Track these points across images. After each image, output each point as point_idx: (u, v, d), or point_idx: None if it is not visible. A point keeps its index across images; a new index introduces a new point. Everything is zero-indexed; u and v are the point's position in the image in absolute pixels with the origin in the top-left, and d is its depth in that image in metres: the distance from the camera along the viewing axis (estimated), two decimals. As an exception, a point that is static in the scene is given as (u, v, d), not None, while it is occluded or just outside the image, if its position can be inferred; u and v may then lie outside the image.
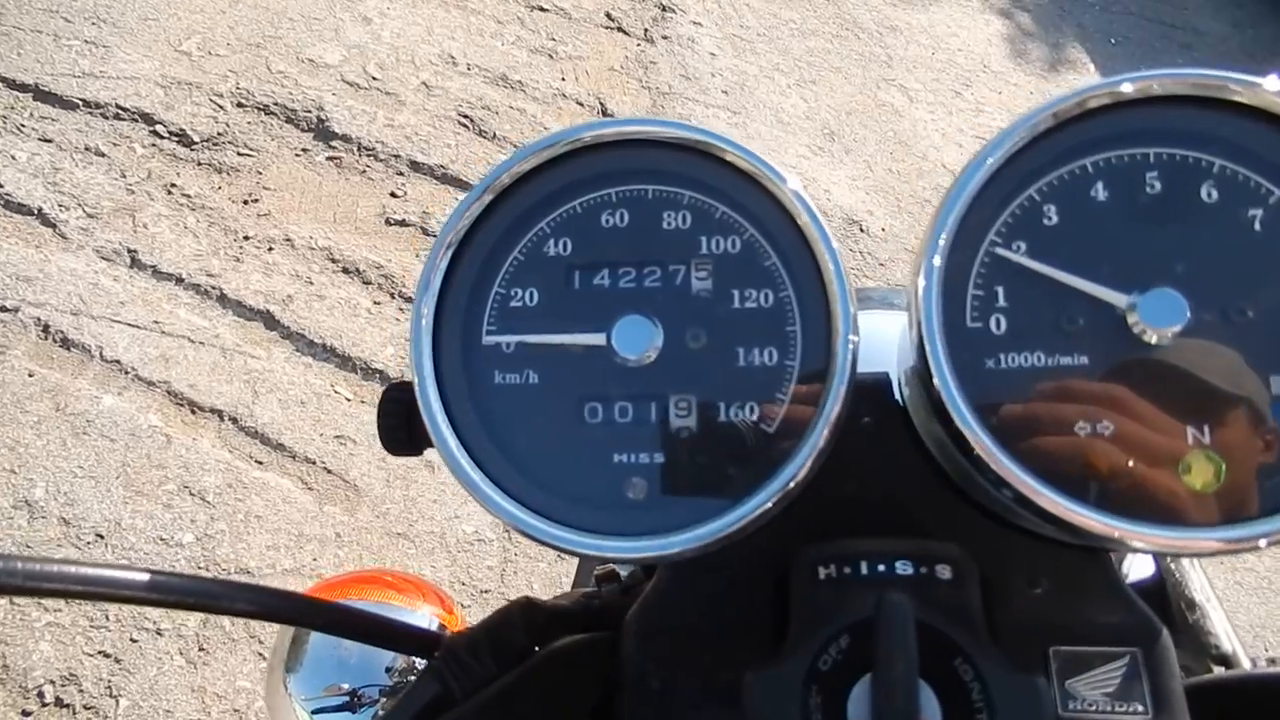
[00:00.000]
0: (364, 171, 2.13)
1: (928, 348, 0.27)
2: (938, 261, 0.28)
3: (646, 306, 0.29)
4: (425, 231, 2.03)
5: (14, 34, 2.20)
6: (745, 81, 2.58)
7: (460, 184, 2.15)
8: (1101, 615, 0.30)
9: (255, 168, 2.07)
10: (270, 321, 1.80)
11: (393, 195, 2.09)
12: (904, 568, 0.28)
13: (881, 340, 0.34)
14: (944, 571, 0.29)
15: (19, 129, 2.00)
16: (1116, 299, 0.27)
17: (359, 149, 2.16)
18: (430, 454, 0.31)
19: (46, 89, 2.09)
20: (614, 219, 0.30)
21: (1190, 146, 0.28)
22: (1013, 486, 0.26)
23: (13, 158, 1.94)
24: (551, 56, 2.53)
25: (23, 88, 2.08)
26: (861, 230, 2.18)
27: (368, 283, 1.91)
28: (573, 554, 0.28)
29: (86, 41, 2.22)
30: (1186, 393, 0.26)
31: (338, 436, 1.64)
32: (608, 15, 2.72)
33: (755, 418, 0.28)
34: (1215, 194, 0.28)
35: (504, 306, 0.29)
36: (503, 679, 0.30)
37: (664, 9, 2.77)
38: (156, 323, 1.75)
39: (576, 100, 2.43)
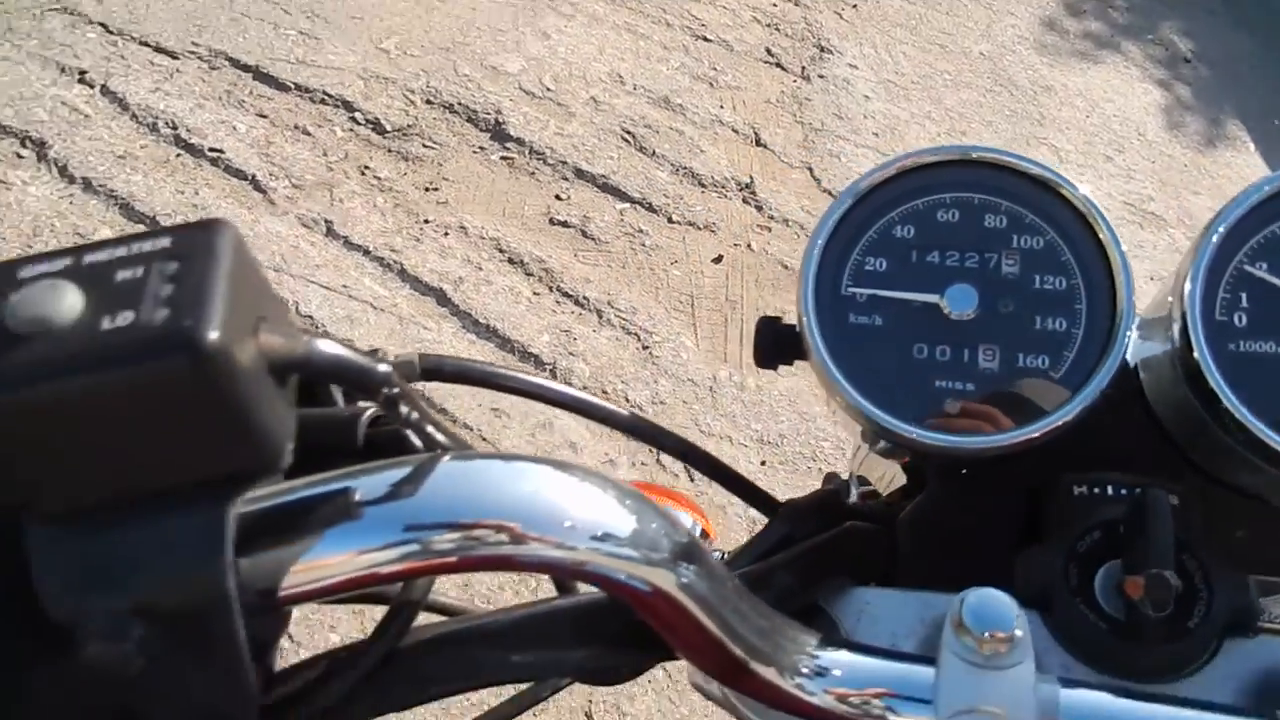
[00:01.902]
0: (533, 173, 2.29)
1: (1191, 333, 0.37)
2: (1201, 273, 0.38)
3: (969, 279, 0.40)
4: (584, 234, 2.18)
5: (240, 20, 2.46)
6: (896, 126, 2.67)
7: (619, 194, 2.29)
8: None
9: (437, 159, 2.26)
10: (442, 299, 1.97)
11: (557, 198, 2.25)
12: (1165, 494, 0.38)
13: None
14: (1174, 500, 0.37)
15: (240, 103, 2.24)
16: None
17: (530, 152, 2.33)
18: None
19: (265, 71, 2.32)
20: (947, 215, 0.41)
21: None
22: (1248, 430, 0.35)
23: (234, 128, 2.17)
24: (712, 85, 2.67)
25: (245, 68, 2.32)
26: (1000, 278, 2.23)
27: (529, 274, 2.06)
28: (904, 442, 0.38)
29: (300, 32, 2.46)
30: None
31: (494, 409, 1.79)
32: (768, 50, 2.84)
33: (1044, 367, 0.38)
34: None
35: (859, 269, 0.40)
36: (820, 536, 0.40)
37: (822, 49, 2.88)
38: (345, 287, 1.94)
39: (732, 128, 2.55)
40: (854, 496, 0.52)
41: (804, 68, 2.80)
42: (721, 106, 2.60)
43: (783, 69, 2.79)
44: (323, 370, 0.25)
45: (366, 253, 2.01)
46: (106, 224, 1.96)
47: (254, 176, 2.08)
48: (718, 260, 2.20)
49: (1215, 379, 0.36)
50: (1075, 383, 0.38)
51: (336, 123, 2.26)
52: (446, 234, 2.09)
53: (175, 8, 2.44)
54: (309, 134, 2.21)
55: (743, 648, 0.30)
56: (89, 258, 0.23)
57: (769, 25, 2.93)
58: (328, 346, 0.25)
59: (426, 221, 2.11)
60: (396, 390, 0.26)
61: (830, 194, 2.44)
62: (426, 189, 2.19)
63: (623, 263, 2.15)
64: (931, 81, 2.87)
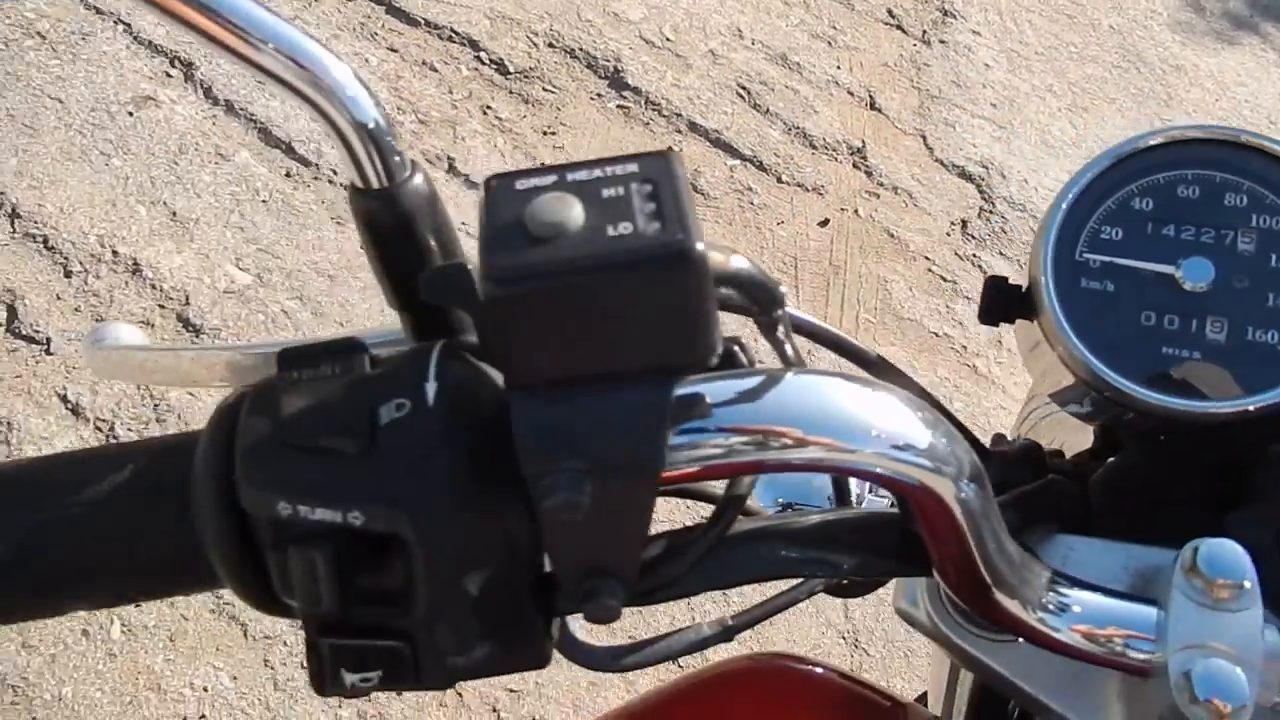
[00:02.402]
0: (647, 124, 2.33)
1: None
2: None
3: (1205, 253, 0.42)
4: (694, 188, 2.22)
5: (377, -47, 2.53)
6: (1015, 98, 2.62)
7: (730, 150, 2.32)
8: None
9: (556, 104, 2.31)
10: (554, 241, 2.04)
11: (670, 150, 2.29)
12: None
13: None
14: None
15: (372, 36, 2.32)
16: None
17: (646, 102, 2.36)
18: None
19: (397, 5, 2.39)
20: (1188, 191, 0.43)
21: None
22: None
23: (366, 60, 2.25)
24: (830, 44, 2.65)
25: (378, 1, 2.39)
26: (1109, 263, 2.21)
27: (639, 224, 2.12)
28: (1126, 401, 0.41)
29: (433, -32, 2.52)
30: None
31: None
32: (889, 12, 2.80)
33: (1273, 342, 0.41)
34: None
35: (1095, 237, 0.43)
36: (1029, 485, 0.43)
37: (945, 13, 2.83)
38: (464, 224, 2.02)
39: (848, 90, 2.54)
40: None
41: (925, 31, 2.75)
42: (838, 67, 2.59)
43: (903, 31, 2.75)
44: (741, 282, 0.30)
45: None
46: (245, 146, 2.07)
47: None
48: (824, 224, 2.22)
49: None
50: None
51: (462, 61, 2.32)
52: (562, 178, 2.16)
53: (315, -63, 2.52)
54: (436, 70, 2.28)
55: (991, 572, 0.34)
56: (572, 176, 0.28)
57: (893, -15, 2.88)
58: (745, 262, 0.29)
59: (545, 165, 2.17)
60: (784, 310, 0.31)
61: (942, 164, 2.43)
62: (544, 133, 2.25)
63: (730, 219, 2.19)
64: (1056, 53, 2.80)
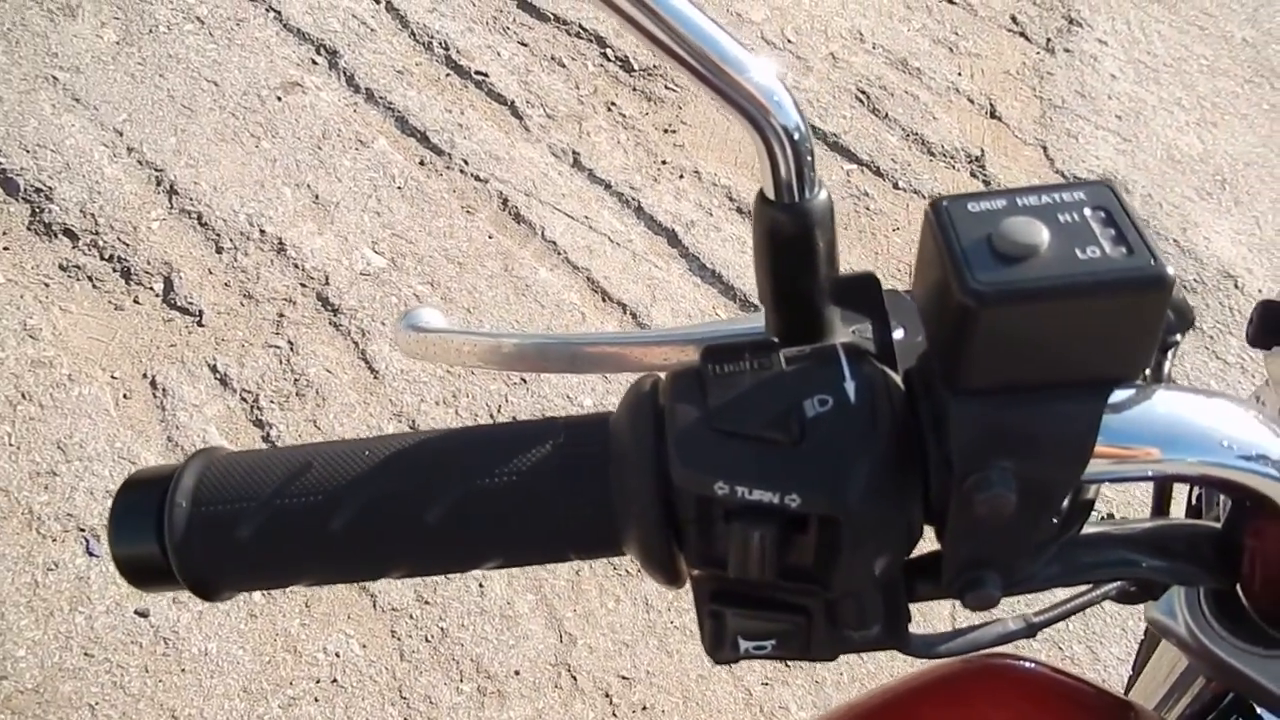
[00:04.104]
0: (766, 124, 2.35)
1: None
2: None
3: None
4: (811, 191, 2.24)
5: (509, -53, 2.59)
6: (1141, 110, 2.57)
7: (848, 154, 2.33)
8: None
9: (677, 102, 2.35)
10: (673, 239, 2.08)
11: (788, 151, 2.31)
12: None
13: None
14: None
15: (504, 30, 2.38)
16: None
17: (766, 103, 2.38)
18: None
19: (528, 0, 2.45)
20: None
21: None
22: None
23: (498, 54, 2.32)
24: (951, 50, 2.63)
25: (510, -5, 2.46)
26: (1235, 286, 2.16)
27: (756, 225, 2.15)
28: None
29: (562, -37, 2.57)
30: None
31: (716, 351, 1.91)
32: (1013, 19, 2.76)
33: None
34: None
35: None
36: None
37: (1071, 21, 2.78)
38: (587, 218, 2.08)
39: (968, 97, 2.52)
40: None
41: (1049, 39, 2.71)
42: (959, 74, 2.57)
43: (1027, 39, 2.71)
44: (1179, 304, 0.33)
45: (608, 187, 2.14)
46: (383, 134, 2.16)
47: (513, 103, 2.23)
48: (940, 232, 2.22)
49: None
50: None
51: (589, 57, 2.37)
52: (681, 177, 2.20)
53: (450, -70, 2.60)
54: (564, 66, 2.34)
55: None
56: (1024, 201, 0.30)
57: (1017, -10, 2.84)
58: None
59: (664, 163, 2.22)
60: (1184, 335, 0.34)
61: (1063, 175, 2.40)
62: (666, 130, 2.29)
63: (845, 224, 2.20)
64: (1185, 65, 2.73)
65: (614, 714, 1.54)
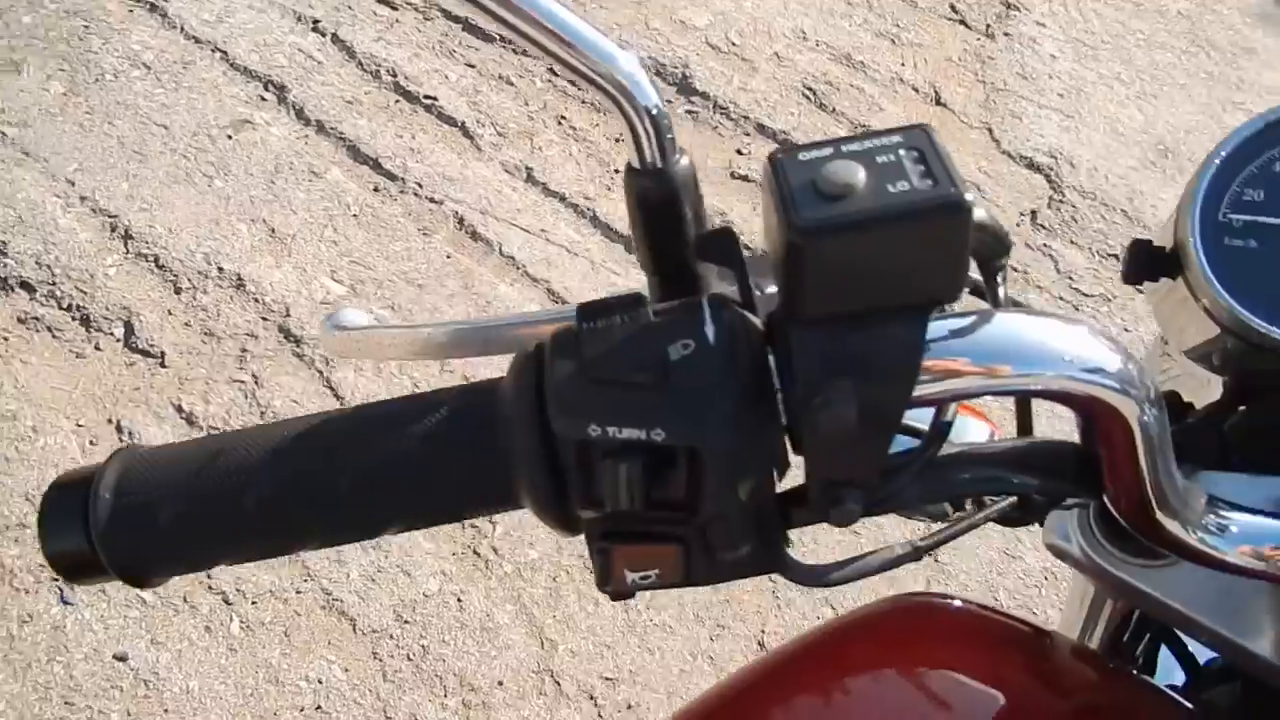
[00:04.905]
0: (715, 128, 2.38)
1: None
2: None
3: None
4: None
5: (450, -27, 2.62)
6: (1083, 87, 2.61)
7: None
8: None
9: (627, 111, 2.38)
10: (629, 246, 2.10)
11: (738, 152, 2.34)
12: None
13: None
14: None
15: (451, 53, 2.41)
16: None
17: (714, 107, 2.41)
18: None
19: (473, 22, 2.48)
20: None
21: None
22: None
23: (446, 77, 2.34)
24: (894, 42, 2.67)
25: (456, 19, 2.48)
26: (1185, 251, 2.20)
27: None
28: (1271, 344, 0.44)
29: (503, -15, 2.61)
30: None
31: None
32: (952, 7, 2.81)
33: None
34: None
35: (1238, 199, 0.46)
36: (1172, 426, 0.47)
37: (1008, 6, 2.83)
38: (543, 230, 2.10)
39: (913, 86, 2.56)
40: None
41: (989, 25, 2.76)
42: (903, 64, 2.61)
43: (967, 26, 2.76)
44: (985, 229, 0.35)
45: (562, 199, 2.16)
46: (336, 164, 2.17)
47: (463, 124, 2.25)
48: (894, 220, 2.25)
49: None
50: None
51: (536, 74, 2.40)
52: (635, 184, 2.22)
53: (391, -40, 2.63)
54: (512, 84, 2.37)
55: (1157, 494, 0.38)
56: (847, 147, 0.33)
57: (954, -21, 2.89)
58: (985, 213, 0.35)
59: (617, 171, 2.24)
60: (1008, 258, 0.37)
61: (1010, 156, 2.44)
62: (617, 140, 2.31)
63: (801, 218, 2.23)
64: (1123, 41, 2.78)
65: (599, 715, 1.54)
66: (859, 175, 0.31)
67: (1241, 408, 0.50)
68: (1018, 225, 2.29)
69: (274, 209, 2.08)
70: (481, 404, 0.37)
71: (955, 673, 0.50)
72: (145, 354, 1.89)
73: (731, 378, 0.34)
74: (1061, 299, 2.15)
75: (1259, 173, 0.47)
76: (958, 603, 0.57)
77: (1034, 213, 2.31)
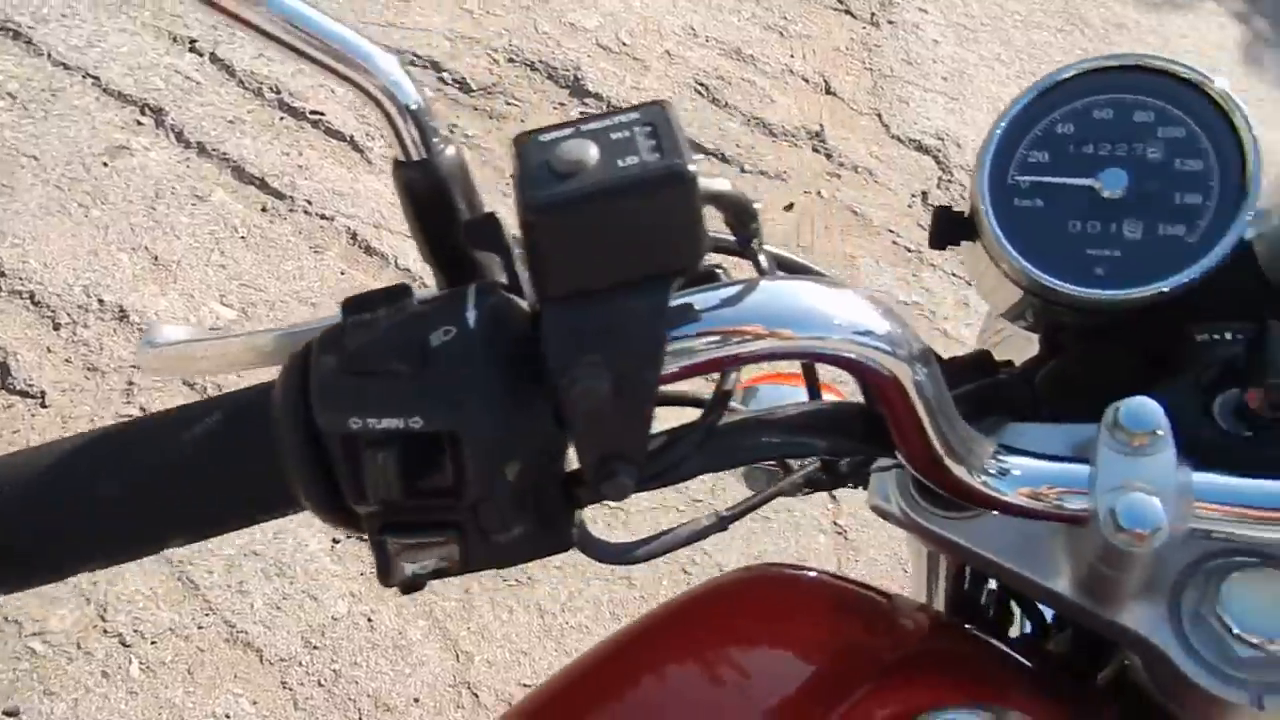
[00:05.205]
0: (610, 127, 2.39)
1: None
2: None
3: (1120, 165, 0.47)
4: (661, 185, 2.27)
5: (331, -14, 2.58)
6: (965, 69, 2.69)
7: (693, 145, 2.37)
8: None
9: (520, 116, 2.37)
10: (529, 250, 2.09)
11: (634, 150, 2.34)
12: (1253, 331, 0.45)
13: None
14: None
15: (335, 68, 2.37)
16: None
17: (609, 107, 2.41)
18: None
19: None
20: (1103, 114, 0.48)
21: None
22: None
23: (332, 91, 2.30)
24: (782, 34, 2.71)
25: (337, 33, 2.45)
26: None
27: (610, 225, 2.17)
28: (1063, 300, 0.46)
29: (387, -4, 2.57)
30: None
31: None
32: (837, -2, 2.87)
33: (1181, 235, 0.46)
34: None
35: (1024, 162, 0.48)
36: (978, 382, 0.49)
37: (892, -6, 2.89)
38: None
39: (803, 76, 2.60)
40: None
41: (873, 14, 2.82)
42: (792, 56, 2.65)
43: (852, 15, 2.81)
44: (727, 201, 0.36)
45: (458, 208, 2.14)
46: (220, 185, 2.12)
47: (352, 138, 2.22)
48: (789, 208, 2.28)
49: None
50: (1207, 246, 0.45)
51: (426, 82, 2.37)
52: (531, 188, 2.21)
53: (269, -24, 2.57)
54: (399, 95, 2.33)
55: (943, 444, 0.39)
56: (585, 127, 0.33)
57: (838, -29, 2.95)
58: (729, 184, 0.35)
59: (514, 176, 2.22)
60: (758, 225, 0.38)
61: (899, 139, 2.49)
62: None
63: (698, 212, 2.24)
64: (1001, 23, 2.87)
65: (517, 725, 1.53)
66: (590, 152, 0.32)
67: (1055, 359, 0.52)
68: (910, 207, 2.34)
69: (156, 236, 2.01)
70: (255, 406, 0.37)
71: (793, 639, 0.51)
72: (24, 394, 1.81)
73: (491, 361, 0.34)
74: (955, 275, 2.20)
75: (1042, 135, 0.49)
76: (810, 573, 0.57)
77: (924, 194, 2.36)
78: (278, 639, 1.59)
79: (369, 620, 1.61)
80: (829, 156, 2.41)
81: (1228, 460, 0.43)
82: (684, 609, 0.55)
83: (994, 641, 0.51)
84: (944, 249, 0.52)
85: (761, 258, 0.39)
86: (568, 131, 0.34)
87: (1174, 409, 0.44)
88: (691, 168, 0.32)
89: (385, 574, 0.36)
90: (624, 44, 2.58)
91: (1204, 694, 0.41)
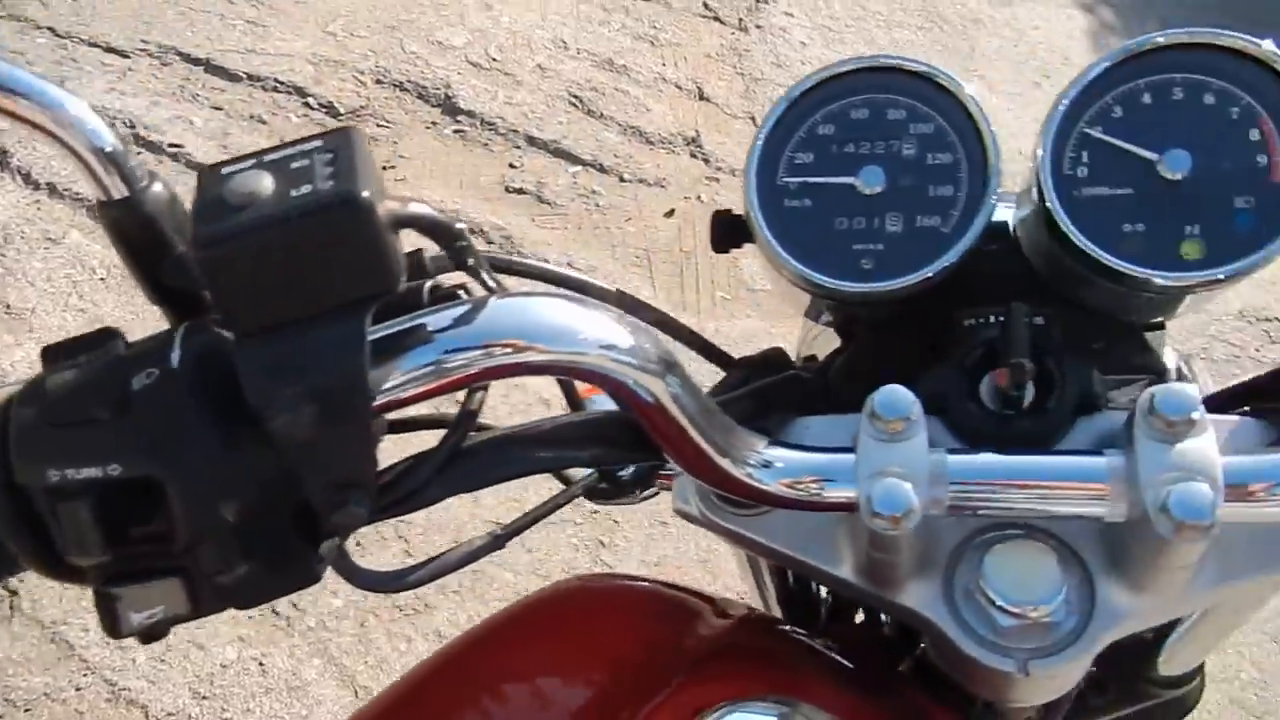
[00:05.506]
0: (486, 144, 2.37)
1: (1044, 180, 0.46)
2: (1052, 137, 0.47)
3: (878, 162, 0.49)
4: (540, 199, 2.27)
5: (187, 14, 2.50)
6: (833, 69, 2.76)
7: (570, 157, 2.37)
8: (1134, 359, 0.49)
9: (392, 138, 2.33)
10: (408, 272, 2.06)
11: (511, 166, 2.33)
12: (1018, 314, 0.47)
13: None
14: (1040, 320, 0.48)
15: (194, 97, 2.29)
16: (1151, 155, 0.46)
17: (482, 124, 2.40)
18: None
19: (216, 63, 2.37)
20: (860, 113, 0.50)
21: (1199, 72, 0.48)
22: (1089, 255, 0.45)
23: (191, 122, 2.23)
24: (653, 43, 2.74)
25: (196, 61, 2.37)
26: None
27: (491, 242, 2.15)
28: (834, 295, 0.48)
29: (248, 21, 2.50)
30: (1184, 208, 0.45)
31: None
32: (705, 5, 2.91)
33: (937, 225, 0.48)
34: (1213, 99, 0.47)
35: (791, 164, 0.49)
36: (769, 379, 0.49)
37: (757, 0, 2.96)
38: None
39: (676, 84, 2.64)
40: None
41: (741, 19, 2.87)
42: (664, 64, 2.68)
43: (721, 22, 2.86)
44: (422, 224, 0.35)
45: (332, 234, 2.09)
46: (75, 227, 2.02)
47: (216, 168, 2.15)
48: (670, 214, 2.30)
49: (1063, 219, 0.46)
50: (960, 233, 0.47)
51: (290, 109, 2.32)
52: (408, 209, 2.18)
53: (121, 6, 2.48)
54: (265, 122, 2.27)
55: (710, 445, 0.39)
56: (268, 157, 0.33)
57: (705, -21, 3.00)
58: (424, 208, 0.35)
59: (387, 199, 2.19)
60: (467, 243, 0.37)
61: (774, 141, 2.54)
62: (384, 167, 2.26)
63: (579, 224, 2.24)
64: (865, 23, 2.96)
65: (418, 756, 1.49)
66: (264, 183, 0.32)
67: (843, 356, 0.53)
68: (788, 205, 2.39)
69: (7, 284, 1.91)
70: None
71: (605, 646, 0.51)
72: None
73: (195, 402, 0.33)
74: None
75: (806, 137, 0.50)
76: (641, 583, 0.58)
77: (801, 191, 2.42)
78: (163, 693, 1.52)
79: (260, 664, 1.55)
80: (706, 161, 2.44)
81: (993, 438, 0.45)
82: (503, 624, 0.54)
83: (801, 635, 0.52)
84: (727, 252, 0.53)
85: (485, 276, 0.39)
86: (249, 163, 0.33)
87: (942, 392, 0.46)
88: (366, 193, 0.31)
89: (112, 626, 0.35)
90: (494, 59, 2.57)
91: (977, 665, 0.42)
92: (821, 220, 0.49)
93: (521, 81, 2.53)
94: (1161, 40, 0.48)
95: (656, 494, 0.55)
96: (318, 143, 0.33)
